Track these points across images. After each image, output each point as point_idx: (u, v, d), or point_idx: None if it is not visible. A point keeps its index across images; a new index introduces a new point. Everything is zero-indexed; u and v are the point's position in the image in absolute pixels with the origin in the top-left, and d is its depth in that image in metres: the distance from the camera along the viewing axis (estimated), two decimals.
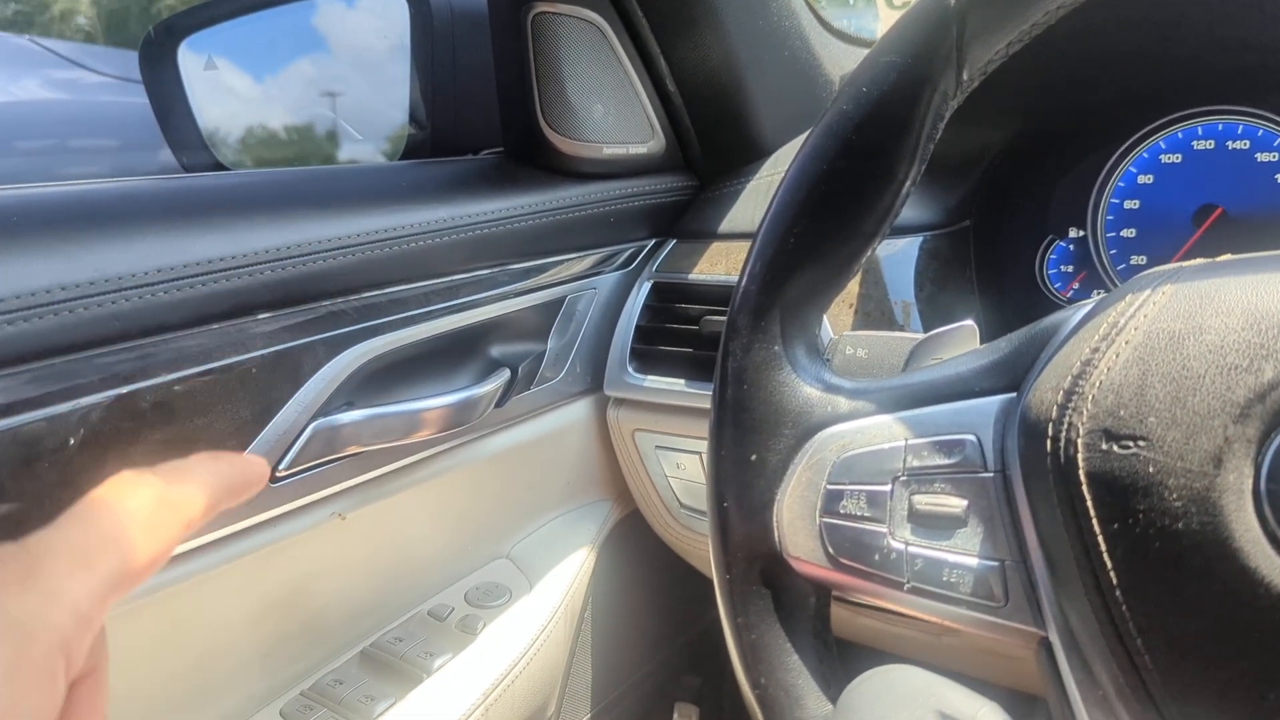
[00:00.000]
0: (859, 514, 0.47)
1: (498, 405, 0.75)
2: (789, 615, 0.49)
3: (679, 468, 0.87)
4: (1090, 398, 0.39)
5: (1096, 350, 0.40)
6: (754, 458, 0.49)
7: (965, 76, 0.47)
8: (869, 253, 0.50)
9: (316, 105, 1.09)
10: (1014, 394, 0.45)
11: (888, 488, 0.46)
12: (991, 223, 0.80)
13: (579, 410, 0.88)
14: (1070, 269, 0.77)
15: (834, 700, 0.48)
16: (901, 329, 0.77)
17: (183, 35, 1.04)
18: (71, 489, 0.51)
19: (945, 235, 0.79)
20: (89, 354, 0.52)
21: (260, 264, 0.59)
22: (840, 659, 0.50)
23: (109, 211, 0.55)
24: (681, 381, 0.83)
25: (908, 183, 0.48)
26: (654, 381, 0.85)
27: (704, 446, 0.85)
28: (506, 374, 0.75)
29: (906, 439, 0.47)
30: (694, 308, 0.84)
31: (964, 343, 0.53)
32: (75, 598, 0.30)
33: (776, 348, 0.50)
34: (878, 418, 0.48)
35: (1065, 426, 0.39)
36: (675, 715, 1.06)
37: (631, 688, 0.98)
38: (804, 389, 0.49)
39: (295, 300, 0.62)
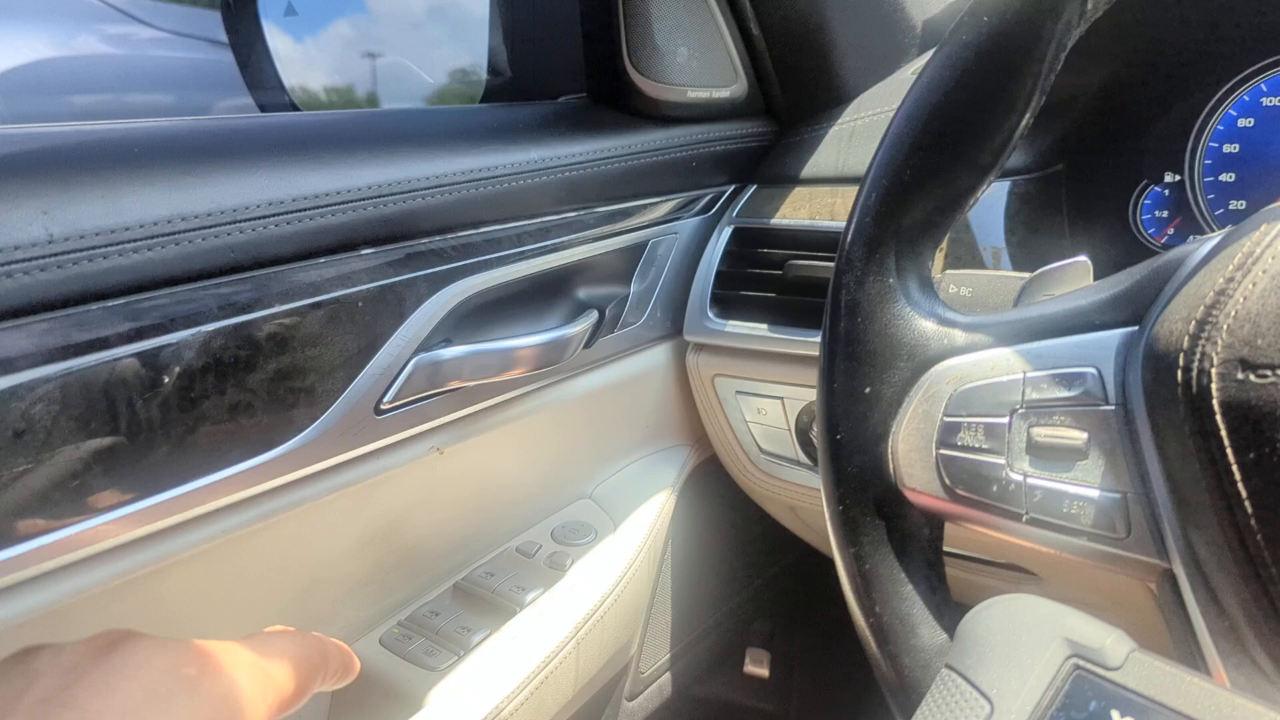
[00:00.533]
0: (976, 446, 0.47)
1: (586, 346, 0.75)
2: (903, 546, 0.49)
3: (760, 413, 0.87)
4: (1225, 327, 0.39)
5: (1231, 280, 0.40)
6: (868, 390, 0.49)
7: (1090, 5, 0.47)
8: (985, 187, 0.50)
9: (392, 50, 1.09)
10: (1135, 328, 0.45)
11: (1006, 420, 0.46)
12: (1085, 167, 0.79)
13: (659, 355, 0.89)
14: (1165, 214, 0.76)
15: (947, 630, 0.49)
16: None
17: None
18: (196, 413, 0.52)
19: (1037, 179, 0.78)
20: (208, 284, 0.53)
21: (364, 200, 0.60)
22: (954, 587, 0.51)
23: (221, 146, 0.56)
24: (764, 326, 0.83)
25: (1027, 115, 0.48)
26: (735, 326, 0.85)
27: (787, 392, 0.86)
28: (595, 315, 0.75)
29: (1025, 372, 0.47)
30: (776, 252, 0.83)
31: (1077, 279, 0.53)
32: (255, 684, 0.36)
33: (891, 280, 0.50)
34: (995, 351, 0.48)
35: (1198, 357, 0.39)
36: (747, 659, 1.07)
37: (706, 631, 0.99)
38: (919, 322, 0.49)
39: (397, 237, 0.63)
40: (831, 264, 0.79)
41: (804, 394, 0.83)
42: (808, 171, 0.87)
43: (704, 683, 1.00)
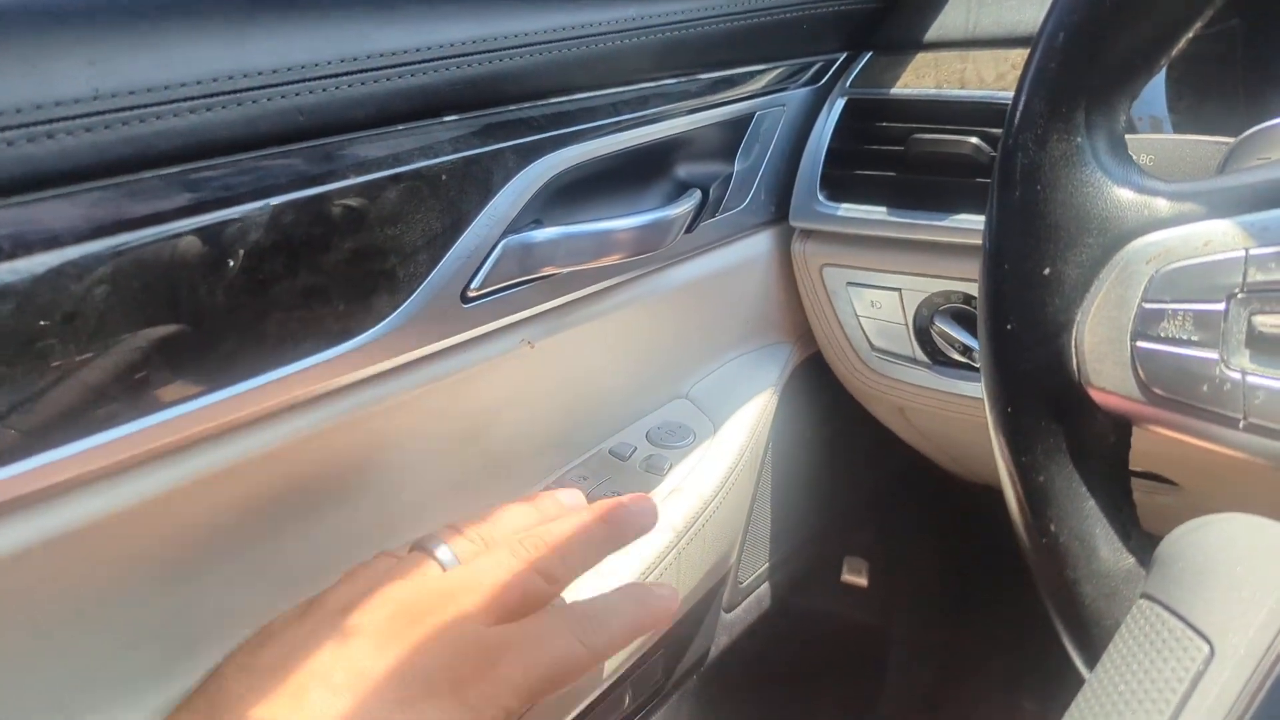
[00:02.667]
0: (1184, 338, 0.39)
1: (688, 230, 0.68)
2: (1083, 455, 0.42)
3: (873, 306, 0.79)
4: None
5: None
6: (1047, 271, 0.41)
7: None
8: (1197, 25, 0.41)
9: None
10: None
11: (1222, 306, 0.38)
12: (1262, 21, 0.68)
13: (761, 244, 0.81)
14: None
15: (1135, 554, 0.42)
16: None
17: None
18: (265, 298, 0.46)
19: (1207, 36, 0.67)
20: (274, 151, 0.47)
21: (446, 59, 0.53)
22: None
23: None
24: (881, 209, 0.75)
25: None
26: (848, 210, 0.76)
27: (905, 283, 0.78)
28: (698, 195, 0.68)
29: (1248, 248, 0.38)
30: (897, 126, 0.75)
31: None
32: (517, 691, 0.39)
33: (1079, 139, 0.41)
34: (1209, 223, 0.39)
35: None
36: (845, 568, 1.01)
37: (806, 540, 0.93)
38: (1113, 190, 0.41)
39: (483, 102, 0.56)
40: (962, 137, 0.71)
41: (925, 285, 0.75)
42: (932, 34, 0.77)
43: (802, 593, 0.94)
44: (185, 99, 0.43)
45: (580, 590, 0.56)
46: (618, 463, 0.71)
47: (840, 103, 0.79)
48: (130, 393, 0.42)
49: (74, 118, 0.40)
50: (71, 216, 0.40)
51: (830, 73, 0.81)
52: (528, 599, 0.43)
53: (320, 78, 0.48)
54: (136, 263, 0.41)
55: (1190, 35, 0.41)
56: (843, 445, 0.97)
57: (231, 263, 0.45)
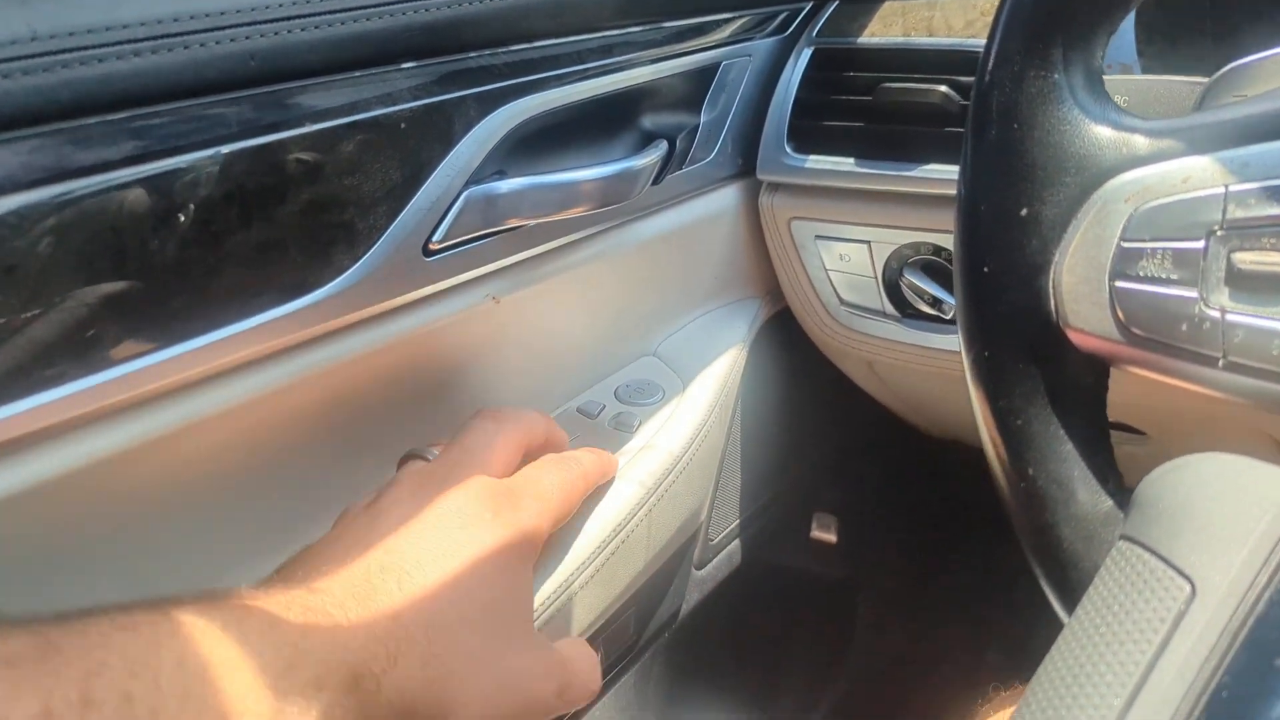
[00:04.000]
0: (1163, 276, 0.38)
1: (654, 182, 0.67)
2: (1062, 398, 0.41)
3: (842, 259, 0.78)
4: None
5: None
6: (1024, 212, 0.41)
7: None
8: None
9: None
10: None
11: (1201, 244, 0.38)
12: None
13: (729, 197, 0.80)
14: None
15: (1113, 496, 0.41)
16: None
17: None
18: (218, 251, 0.44)
19: None
20: (225, 96, 0.45)
21: (403, 1, 0.51)
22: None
23: None
24: (849, 160, 0.74)
25: None
26: (816, 161, 0.75)
27: (875, 235, 0.77)
28: (664, 146, 0.67)
29: (1228, 184, 0.38)
30: (866, 75, 0.73)
31: (1277, 74, 0.43)
32: (538, 517, 0.49)
33: (1056, 76, 0.40)
34: (1188, 160, 0.39)
35: None
36: (814, 524, 1.01)
37: (775, 497, 0.93)
38: (1091, 127, 0.40)
39: (443, 49, 0.54)
40: (930, 85, 0.70)
41: (894, 237, 0.75)
42: None
43: (772, 548, 0.94)
44: (128, 40, 0.41)
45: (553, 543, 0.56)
46: (586, 420, 0.70)
47: (807, 52, 0.77)
48: (76, 350, 0.41)
49: (9, 60, 0.38)
50: (10, 165, 0.38)
51: (796, 22, 0.80)
52: (513, 464, 0.52)
53: (272, 19, 0.46)
54: (81, 213, 0.40)
55: None
56: (811, 401, 0.96)
57: (181, 215, 0.43)
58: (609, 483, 0.63)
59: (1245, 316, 0.37)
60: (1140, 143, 0.40)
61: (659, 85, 0.68)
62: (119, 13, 0.41)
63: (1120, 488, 0.41)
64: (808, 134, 0.76)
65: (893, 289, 0.77)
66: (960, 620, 1.09)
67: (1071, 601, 0.41)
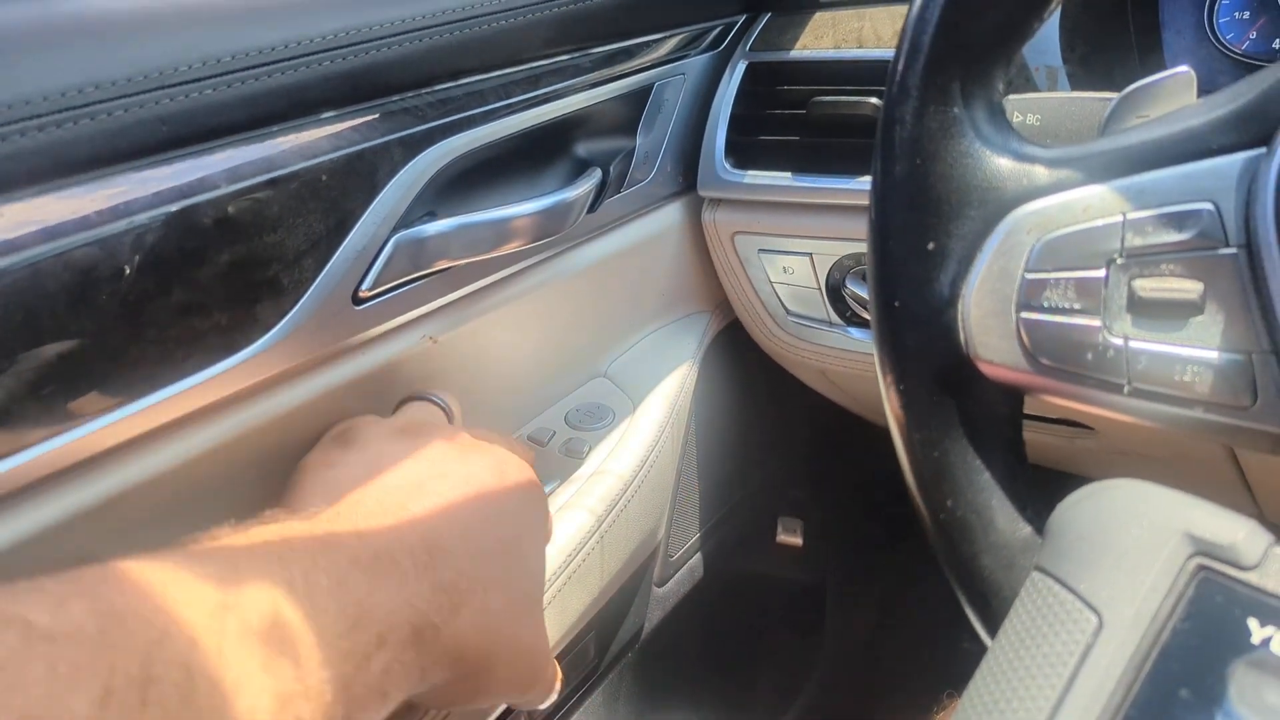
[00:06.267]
0: (1066, 306, 0.39)
1: (590, 210, 0.67)
2: (976, 428, 0.42)
3: (785, 272, 0.79)
4: None
5: None
6: (931, 246, 0.41)
7: None
8: None
9: None
10: (1262, 149, 0.36)
11: (1102, 273, 0.38)
12: None
13: (672, 215, 0.80)
14: (1245, 15, 0.66)
15: (1031, 523, 0.42)
16: None
17: None
18: (138, 320, 0.44)
19: None
20: (136, 163, 0.45)
21: (319, 52, 0.51)
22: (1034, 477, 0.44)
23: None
24: (787, 174, 0.74)
25: None
26: (755, 176, 0.76)
27: (816, 247, 0.77)
28: (598, 174, 0.67)
29: (1125, 213, 0.38)
30: (798, 89, 0.74)
31: (1178, 95, 0.44)
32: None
33: (956, 110, 0.41)
34: (1087, 189, 0.39)
35: None
36: (779, 528, 1.02)
37: (736, 506, 0.93)
38: (992, 160, 0.41)
39: (363, 95, 0.54)
40: (862, 98, 0.70)
41: (835, 248, 0.75)
42: None
43: (736, 557, 0.95)
44: (32, 117, 0.41)
45: None
46: (537, 449, 0.71)
47: (741, 67, 0.78)
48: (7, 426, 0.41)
49: None
50: None
51: (730, 36, 0.80)
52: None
53: (182, 83, 0.46)
54: None
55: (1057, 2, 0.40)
56: (768, 409, 0.97)
57: (100, 285, 0.43)
58: (558, 510, 0.63)
59: (1147, 344, 0.38)
60: (1041, 173, 0.40)
61: (591, 112, 0.68)
62: (21, 87, 0.41)
63: (1039, 512, 0.42)
64: (745, 149, 0.76)
65: (836, 298, 0.78)
66: (929, 613, 1.09)
67: (994, 628, 0.41)
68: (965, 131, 0.41)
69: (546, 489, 0.65)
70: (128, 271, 0.44)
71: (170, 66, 0.46)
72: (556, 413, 0.74)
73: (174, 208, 0.45)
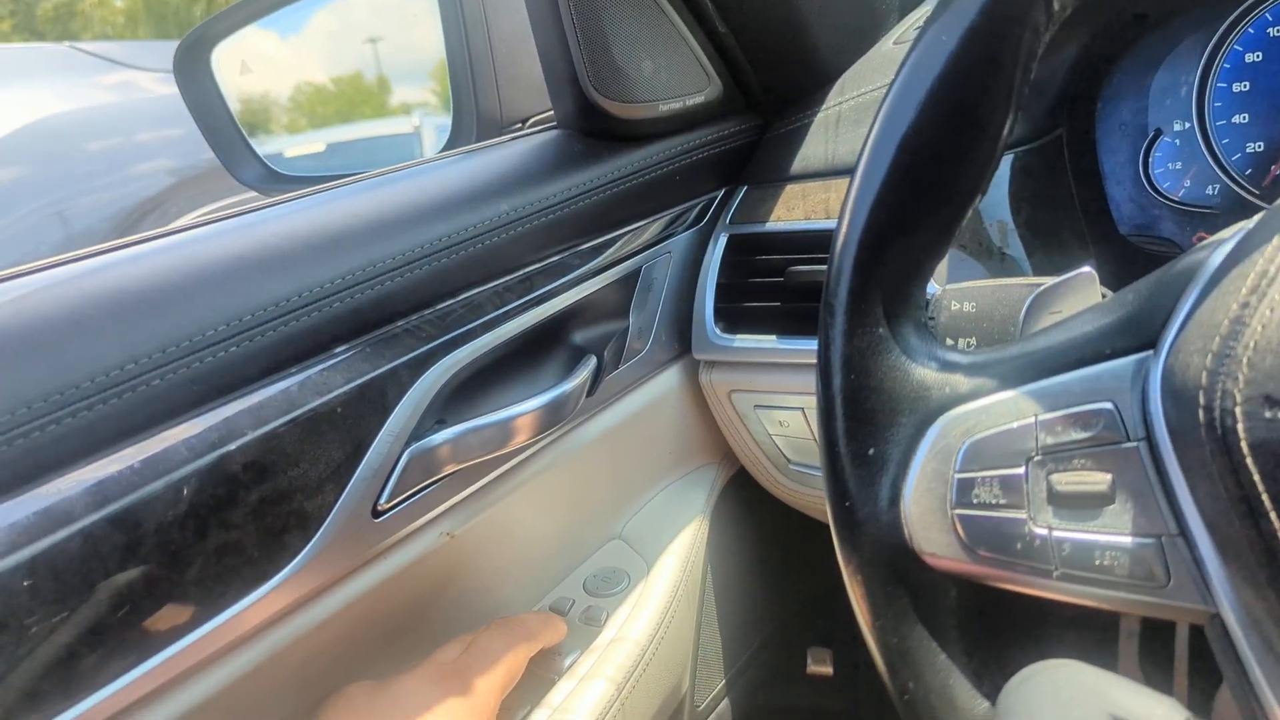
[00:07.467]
0: (994, 501, 0.43)
1: (589, 395, 0.72)
2: (931, 613, 0.46)
3: (782, 425, 0.83)
4: (1245, 360, 0.35)
5: (1246, 305, 0.36)
6: (871, 452, 0.46)
7: (1057, 6, 0.42)
8: (969, 212, 0.46)
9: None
10: (1149, 352, 0.41)
11: (1022, 470, 0.43)
12: (1085, 128, 0.74)
13: (671, 378, 0.85)
14: (1179, 166, 0.71)
15: (988, 697, 0.46)
16: (1001, 252, 0.72)
17: (212, 45, 1.01)
18: (179, 567, 0.50)
19: (1036, 149, 0.73)
20: (170, 424, 0.51)
21: (330, 295, 0.57)
22: (990, 647, 0.47)
23: (163, 272, 0.53)
24: (772, 338, 0.80)
25: (1004, 133, 0.44)
26: (743, 340, 0.81)
27: (806, 402, 0.82)
28: (593, 361, 0.72)
29: (1037, 414, 0.43)
30: (776, 258, 0.80)
31: (1083, 291, 0.49)
32: (485, 691, 0.59)
33: (880, 330, 0.46)
34: (1002, 394, 0.44)
35: (1219, 394, 0.35)
36: (810, 661, 1.04)
37: (761, 646, 0.96)
38: (917, 371, 0.46)
39: (370, 326, 0.60)
40: None
41: None
42: (797, 167, 0.83)
43: (766, 694, 0.97)
44: (80, 400, 0.47)
45: None
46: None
47: (723, 239, 0.84)
48: (58, 681, 0.46)
49: None
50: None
51: (711, 210, 0.86)
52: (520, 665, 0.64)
53: (209, 345, 0.52)
54: (53, 563, 0.45)
55: (963, 225, 0.46)
56: (785, 547, 1.00)
57: (144, 542, 0.49)
58: (578, 681, 0.67)
59: (1069, 532, 0.42)
60: (962, 381, 0.45)
61: (584, 303, 0.74)
62: (70, 373, 0.47)
63: (996, 685, 0.46)
64: (733, 315, 0.82)
65: None
66: None
67: None
68: (891, 348, 0.46)
69: (566, 661, 0.70)
70: (168, 522, 0.49)
71: (199, 332, 0.52)
72: (575, 580, 0.79)
73: (205, 460, 0.51)
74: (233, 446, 0.52)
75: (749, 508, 0.93)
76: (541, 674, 0.69)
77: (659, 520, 0.85)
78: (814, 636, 1.08)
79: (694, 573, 0.83)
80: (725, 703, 0.91)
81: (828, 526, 0.98)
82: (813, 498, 0.87)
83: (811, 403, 0.81)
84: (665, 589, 0.78)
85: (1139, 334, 0.42)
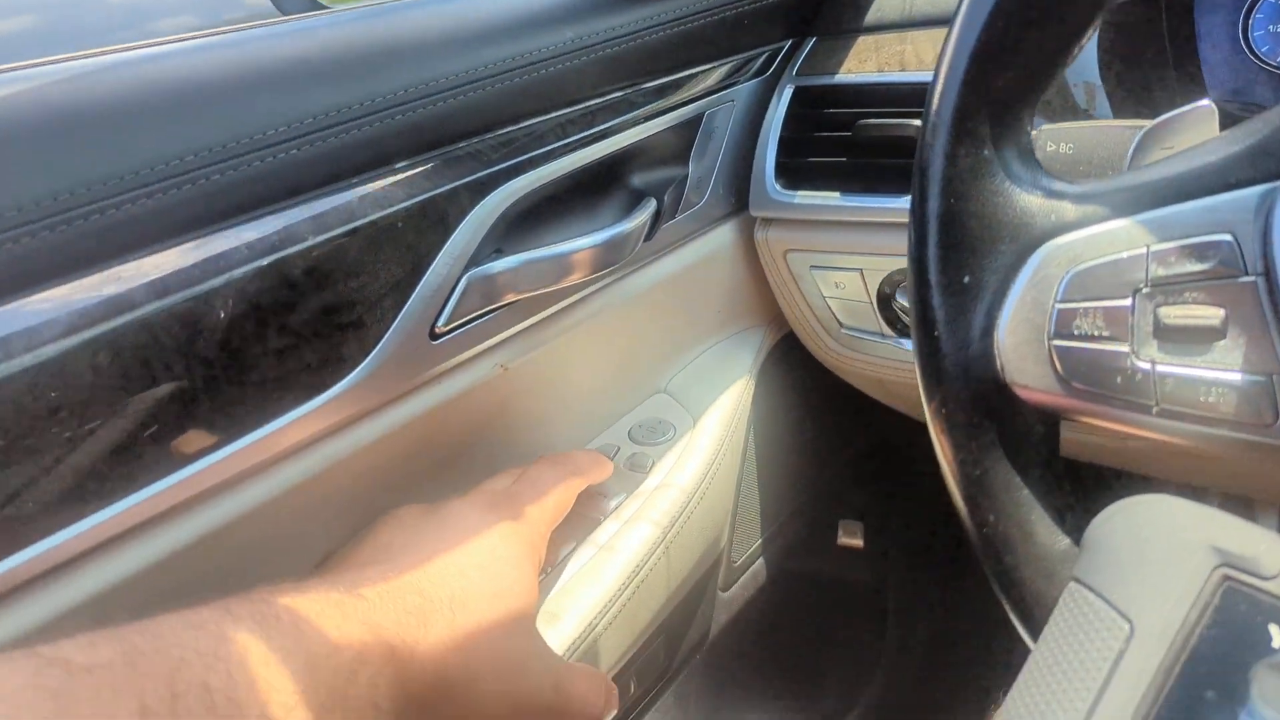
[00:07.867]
0: (1096, 334, 0.41)
1: (647, 239, 0.70)
2: (1016, 448, 0.45)
3: (838, 287, 0.81)
4: None
5: None
6: (967, 279, 0.44)
7: None
8: (1093, 28, 0.43)
9: None
10: (1277, 183, 0.39)
11: (1129, 302, 0.41)
12: None
13: (726, 235, 0.83)
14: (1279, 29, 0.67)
15: (1070, 534, 0.45)
16: (1086, 114, 0.69)
17: None
18: (238, 366, 0.49)
19: (1132, 3, 0.69)
20: (232, 221, 0.49)
21: (390, 108, 0.55)
22: (1075, 489, 0.46)
23: (226, 66, 0.51)
24: (836, 194, 0.77)
25: None
26: (804, 197, 0.79)
27: (865, 263, 0.80)
28: (653, 204, 0.70)
29: (1149, 245, 0.41)
30: (844, 111, 0.76)
31: (1201, 127, 0.46)
32: (536, 519, 0.57)
33: (986, 152, 0.43)
34: (1112, 223, 0.42)
35: None
36: (840, 531, 1.04)
37: (797, 511, 0.96)
38: (1021, 197, 0.43)
39: (431, 144, 0.58)
40: (905, 120, 0.73)
41: (884, 263, 0.78)
42: (871, 18, 0.79)
43: (798, 561, 0.98)
44: (142, 186, 0.45)
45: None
46: None
47: (789, 91, 0.80)
48: (115, 471, 0.45)
49: (36, 221, 0.42)
50: (52, 313, 0.43)
51: (777, 62, 0.83)
52: (567, 501, 0.61)
53: (269, 145, 0.50)
54: (114, 348, 0.44)
55: (1084, 41, 0.43)
56: (826, 417, 1.00)
57: (203, 336, 0.47)
58: (624, 523, 0.67)
59: (1173, 367, 0.40)
60: (1068, 209, 0.43)
61: (645, 144, 0.71)
62: (130, 159, 0.46)
63: (1078, 523, 0.44)
64: (795, 171, 0.79)
65: (888, 312, 0.80)
66: (987, 617, 1.11)
67: (1036, 634, 0.44)
68: (995, 171, 0.43)
69: (613, 503, 0.69)
70: (227, 321, 0.48)
71: (259, 130, 0.50)
72: (620, 429, 0.78)
73: (266, 261, 0.49)
74: (293, 250, 0.50)
75: (794, 374, 0.92)
76: (588, 513, 0.69)
77: (704, 378, 0.83)
78: (846, 511, 1.08)
79: (738, 431, 0.82)
80: (760, 562, 0.91)
81: (869, 398, 0.97)
82: (861, 363, 0.85)
83: (870, 264, 0.79)
84: (711, 443, 0.77)
85: (1266, 164, 0.39)
